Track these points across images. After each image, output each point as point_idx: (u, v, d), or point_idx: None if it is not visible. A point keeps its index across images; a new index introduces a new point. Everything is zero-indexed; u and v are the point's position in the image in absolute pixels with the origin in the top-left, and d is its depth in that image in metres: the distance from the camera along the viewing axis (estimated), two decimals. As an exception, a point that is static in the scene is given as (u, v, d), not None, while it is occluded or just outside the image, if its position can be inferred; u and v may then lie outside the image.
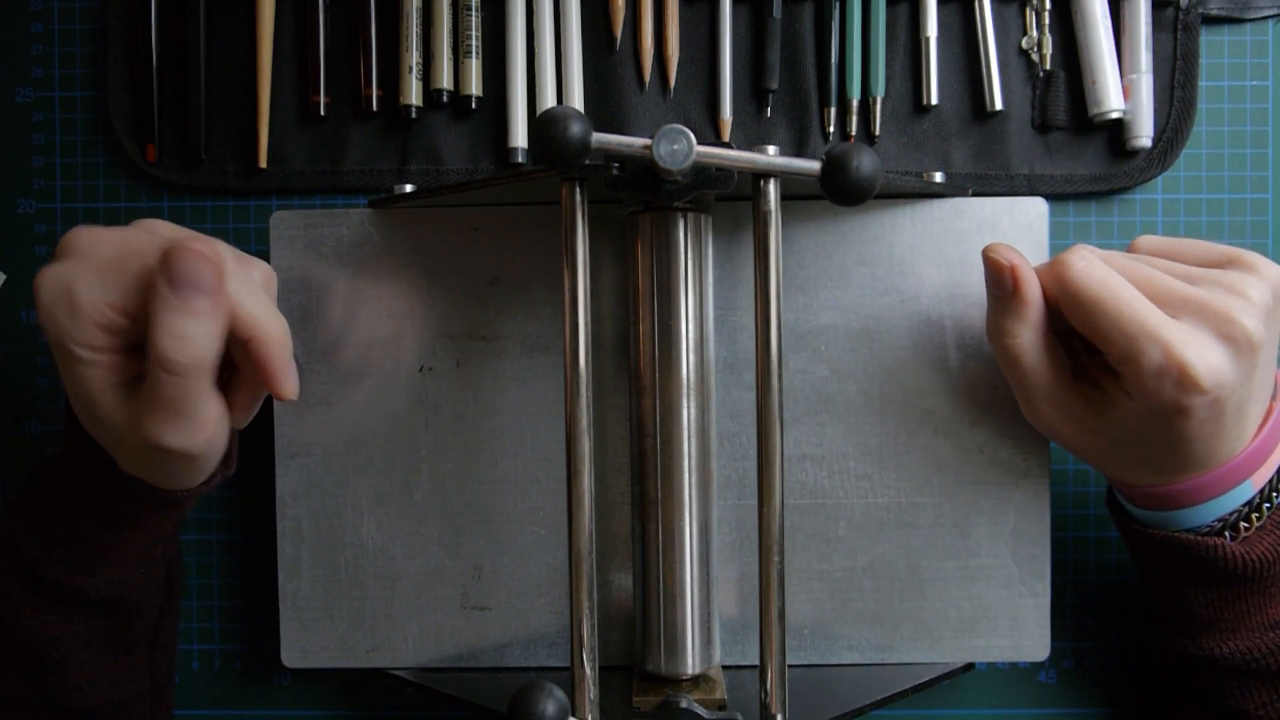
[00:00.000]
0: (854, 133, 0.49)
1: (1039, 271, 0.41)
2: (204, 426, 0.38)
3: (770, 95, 0.49)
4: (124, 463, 0.39)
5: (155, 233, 0.40)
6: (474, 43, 0.49)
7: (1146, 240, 0.43)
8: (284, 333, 0.40)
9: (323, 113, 0.50)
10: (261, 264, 0.43)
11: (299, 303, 0.47)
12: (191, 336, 0.36)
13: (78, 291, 0.36)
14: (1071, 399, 0.41)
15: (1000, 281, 0.40)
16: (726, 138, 0.49)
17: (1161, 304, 0.38)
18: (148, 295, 0.36)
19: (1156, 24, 0.49)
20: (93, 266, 0.37)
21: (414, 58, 0.49)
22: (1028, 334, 0.41)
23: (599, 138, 0.36)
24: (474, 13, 0.49)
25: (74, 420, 0.40)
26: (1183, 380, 0.37)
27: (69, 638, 0.42)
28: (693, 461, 0.43)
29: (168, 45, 0.50)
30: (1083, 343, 0.42)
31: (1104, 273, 0.38)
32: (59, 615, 0.41)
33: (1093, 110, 0.48)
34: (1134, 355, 0.37)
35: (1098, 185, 0.49)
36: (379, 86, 0.49)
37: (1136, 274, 0.39)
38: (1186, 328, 0.37)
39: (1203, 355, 0.37)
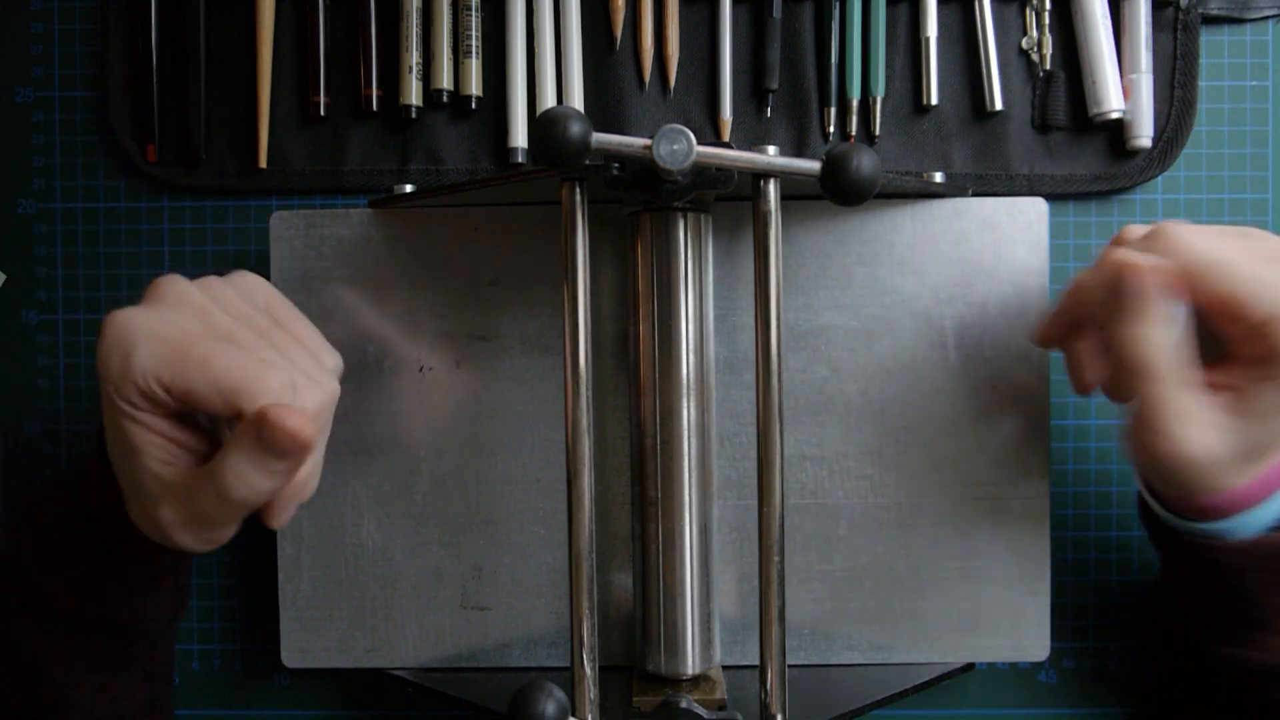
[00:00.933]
0: (854, 133, 0.49)
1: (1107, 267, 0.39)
2: (221, 540, 0.38)
3: (770, 95, 0.49)
4: (133, 513, 0.39)
5: (251, 297, 0.40)
6: (474, 43, 0.49)
7: (1133, 229, 0.41)
8: (305, 479, 0.39)
9: (323, 113, 0.50)
10: (334, 371, 0.42)
11: (299, 303, 0.46)
12: (256, 487, 0.36)
13: (136, 355, 0.35)
14: (1209, 407, 0.38)
15: (1126, 280, 0.37)
16: (726, 138, 0.49)
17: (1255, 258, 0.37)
18: (233, 402, 0.35)
19: (1156, 24, 0.49)
20: (161, 332, 0.36)
21: (414, 58, 0.49)
22: (1159, 333, 0.37)
23: (599, 138, 0.36)
24: (474, 13, 0.49)
25: (98, 444, 0.39)
26: None
27: (73, 657, 0.41)
28: (693, 461, 0.43)
29: (168, 45, 0.50)
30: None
31: (1209, 236, 0.37)
32: (64, 636, 0.41)
33: (1093, 110, 0.48)
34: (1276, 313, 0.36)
35: (1098, 185, 0.49)
36: (379, 86, 0.49)
37: (1222, 241, 0.38)
38: None
39: None
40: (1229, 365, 0.38)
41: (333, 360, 0.42)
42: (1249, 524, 0.39)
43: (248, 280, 0.41)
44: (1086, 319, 0.41)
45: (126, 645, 0.42)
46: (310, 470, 0.39)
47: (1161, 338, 0.37)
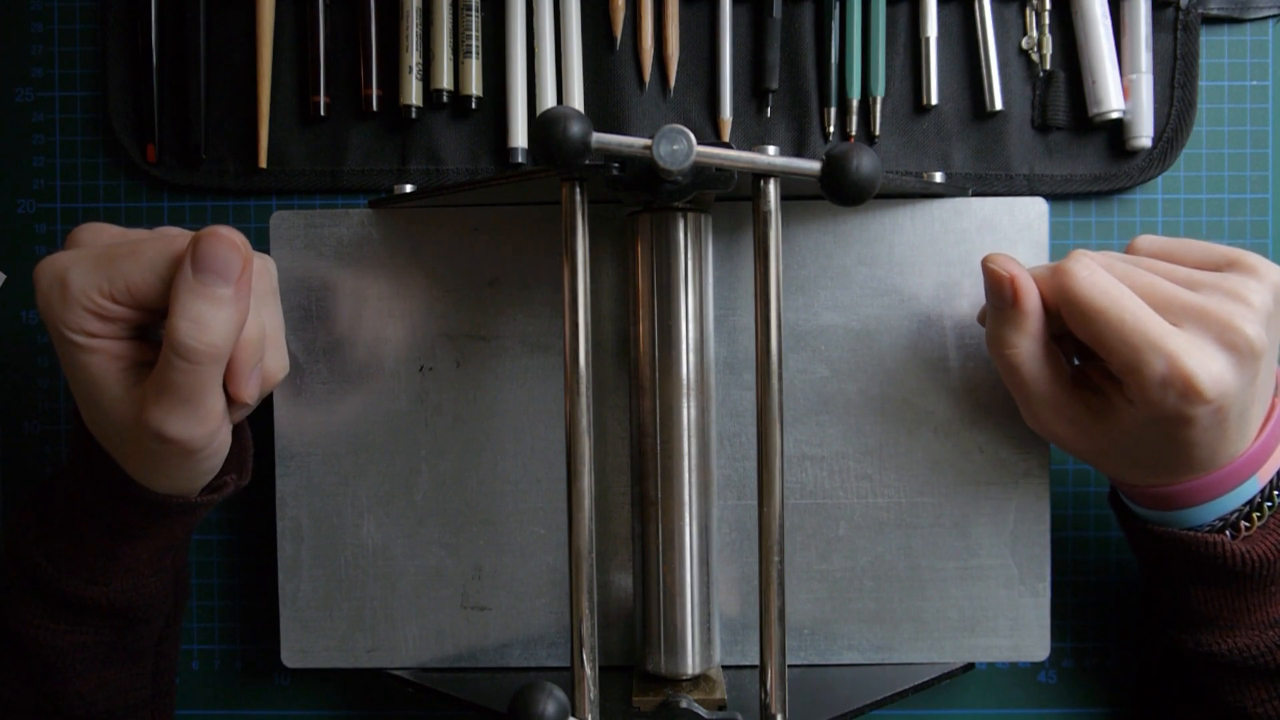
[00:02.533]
0: (854, 133, 0.49)
1: (1038, 277, 0.41)
2: (209, 418, 0.38)
3: (770, 95, 0.49)
4: (127, 461, 0.39)
5: (162, 233, 0.41)
6: (474, 43, 0.49)
7: (1145, 240, 0.43)
8: (258, 338, 0.40)
9: (323, 113, 0.50)
10: (264, 256, 0.43)
11: (299, 303, 0.47)
12: (210, 323, 0.36)
13: (70, 277, 0.37)
14: (1072, 405, 0.41)
15: (1000, 292, 0.40)
16: (726, 138, 0.49)
17: (1163, 312, 0.38)
18: (171, 280, 0.37)
19: (1156, 24, 0.49)
20: (88, 254, 0.38)
21: (414, 58, 0.49)
22: (1027, 343, 0.41)
23: (599, 138, 0.36)
24: (474, 13, 0.49)
25: (82, 429, 0.40)
26: (1186, 391, 0.37)
27: (77, 648, 0.41)
28: (693, 461, 0.43)
29: (168, 45, 0.50)
30: (1081, 347, 0.42)
31: (1106, 281, 0.38)
32: (69, 625, 0.41)
33: (1093, 110, 0.48)
34: (1137, 366, 0.37)
35: (1098, 185, 0.49)
36: (379, 86, 0.49)
37: (1137, 281, 0.39)
38: (1189, 337, 0.37)
39: (1206, 365, 0.37)
40: (1101, 371, 0.41)
41: (262, 263, 0.43)
42: (1191, 518, 0.41)
43: (163, 229, 0.42)
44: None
45: (131, 637, 0.43)
46: (259, 333, 0.40)
47: (1027, 346, 0.41)
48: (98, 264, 0.37)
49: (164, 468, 0.39)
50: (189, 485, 0.41)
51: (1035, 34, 0.49)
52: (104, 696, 0.42)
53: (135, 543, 0.41)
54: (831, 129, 0.49)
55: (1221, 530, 0.41)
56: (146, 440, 0.38)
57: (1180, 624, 0.43)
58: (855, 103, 0.49)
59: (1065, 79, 0.49)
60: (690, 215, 0.43)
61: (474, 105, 0.50)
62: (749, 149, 0.38)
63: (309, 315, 0.47)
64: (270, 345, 0.41)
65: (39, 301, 0.37)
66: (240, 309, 0.37)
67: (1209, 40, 0.50)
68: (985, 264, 0.41)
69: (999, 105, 0.49)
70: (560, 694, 0.37)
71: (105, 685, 0.42)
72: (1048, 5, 0.49)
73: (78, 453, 0.41)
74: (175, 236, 0.39)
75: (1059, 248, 0.49)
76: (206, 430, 0.38)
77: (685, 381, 0.43)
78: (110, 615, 0.42)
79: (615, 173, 0.39)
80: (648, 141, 0.36)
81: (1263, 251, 0.49)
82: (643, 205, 0.43)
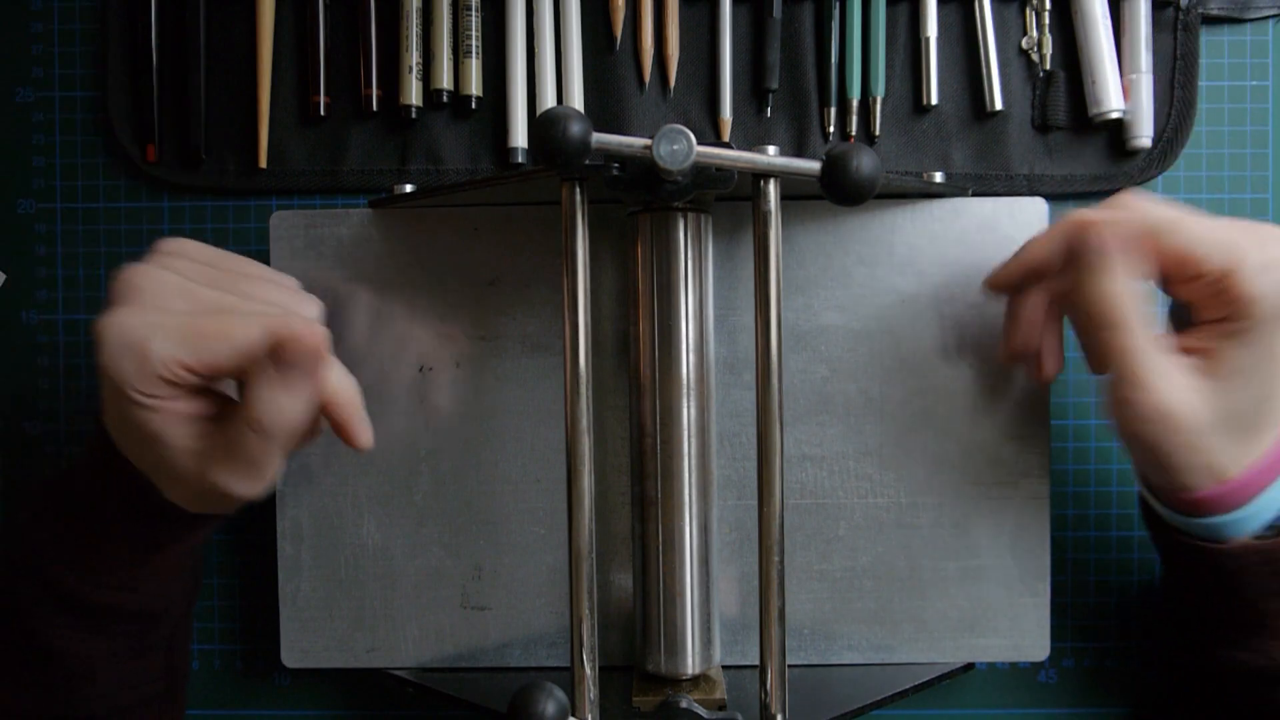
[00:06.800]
0: (854, 133, 0.49)
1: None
2: (270, 476, 0.39)
3: (770, 95, 0.49)
4: (171, 493, 0.39)
5: (201, 258, 0.40)
6: (474, 43, 0.49)
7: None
8: (355, 391, 0.41)
9: (323, 113, 0.50)
10: (312, 299, 0.43)
11: (299, 303, 0.47)
12: (289, 410, 0.37)
13: (151, 347, 0.36)
14: (1178, 365, 0.39)
15: (1090, 240, 0.39)
16: (726, 138, 0.49)
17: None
18: (245, 364, 0.37)
19: (1156, 24, 0.49)
20: (172, 324, 0.37)
21: (414, 58, 0.49)
22: (1124, 286, 0.39)
23: (599, 138, 0.36)
24: (474, 13, 0.49)
25: (105, 444, 0.40)
26: None
27: (94, 647, 0.41)
28: (693, 461, 0.43)
29: (168, 45, 0.50)
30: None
31: (1160, 203, 0.39)
32: (98, 632, 0.41)
33: (1093, 110, 0.48)
34: (1237, 255, 0.37)
35: (1098, 185, 0.49)
36: (379, 86, 0.49)
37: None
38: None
39: None
40: (1195, 330, 0.39)
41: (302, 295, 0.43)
42: (1248, 519, 0.39)
43: (186, 246, 0.41)
44: (1036, 277, 0.42)
45: (151, 633, 0.43)
46: (344, 378, 0.41)
47: (1127, 291, 0.38)
48: (184, 339, 0.37)
49: (213, 506, 0.40)
50: (228, 510, 0.41)
51: (1035, 34, 0.49)
52: (120, 692, 0.42)
53: (166, 550, 0.41)
54: (831, 129, 0.49)
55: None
56: (205, 491, 0.39)
57: (1245, 640, 0.40)
58: (855, 103, 0.49)
59: (1065, 79, 0.49)
60: (690, 215, 0.43)
61: (474, 105, 0.50)
62: (749, 149, 0.38)
63: (309, 315, 0.47)
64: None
65: (104, 357, 0.36)
66: (315, 390, 0.38)
67: (1209, 40, 0.50)
68: (1065, 220, 0.41)
69: (999, 105, 0.49)
70: (560, 694, 0.37)
71: (122, 680, 0.42)
72: (1048, 5, 0.49)
73: (100, 466, 0.40)
74: (259, 314, 0.38)
75: (1059, 248, 0.49)
76: (266, 485, 0.39)
77: (685, 381, 0.43)
78: (139, 618, 0.42)
79: (615, 173, 0.39)
80: (648, 141, 0.36)
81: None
82: (643, 205, 0.43)
